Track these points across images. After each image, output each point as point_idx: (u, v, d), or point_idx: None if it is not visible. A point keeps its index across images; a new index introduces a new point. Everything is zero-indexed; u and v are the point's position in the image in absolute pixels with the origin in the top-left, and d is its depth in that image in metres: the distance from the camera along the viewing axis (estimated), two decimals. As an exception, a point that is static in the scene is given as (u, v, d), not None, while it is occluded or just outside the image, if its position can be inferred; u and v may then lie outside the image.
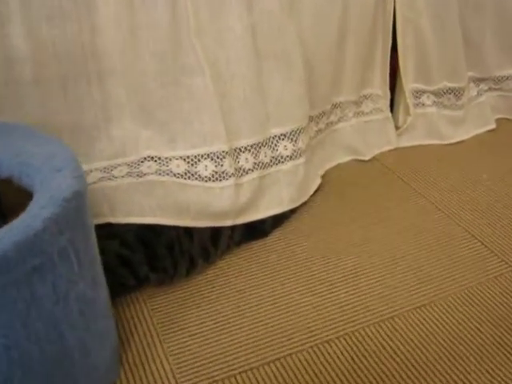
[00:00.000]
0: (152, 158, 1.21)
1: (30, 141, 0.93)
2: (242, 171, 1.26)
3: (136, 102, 1.20)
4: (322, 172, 1.51)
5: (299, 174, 1.36)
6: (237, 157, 1.26)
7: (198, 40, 1.18)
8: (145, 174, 1.19)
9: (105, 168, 1.20)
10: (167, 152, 1.22)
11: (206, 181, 1.22)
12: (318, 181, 1.46)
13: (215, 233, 1.23)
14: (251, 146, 1.28)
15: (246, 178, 1.27)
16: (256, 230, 1.31)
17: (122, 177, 1.18)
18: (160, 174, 1.19)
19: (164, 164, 1.20)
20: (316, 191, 1.44)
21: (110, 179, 1.18)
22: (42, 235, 0.73)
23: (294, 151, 1.34)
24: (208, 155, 1.22)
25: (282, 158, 1.33)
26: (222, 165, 1.22)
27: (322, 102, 1.47)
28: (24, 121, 1.11)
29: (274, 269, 1.23)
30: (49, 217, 0.75)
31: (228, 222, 1.24)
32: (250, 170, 1.28)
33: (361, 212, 1.39)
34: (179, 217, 1.17)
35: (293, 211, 1.37)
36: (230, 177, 1.23)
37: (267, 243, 1.30)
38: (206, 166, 1.22)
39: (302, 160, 1.36)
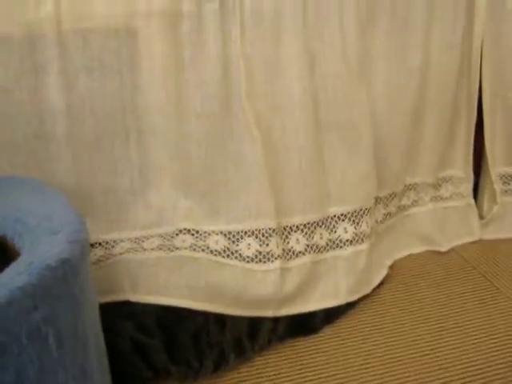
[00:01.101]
0: (189, 230, 1.06)
1: (34, 196, 0.81)
2: (291, 253, 1.09)
3: (177, 166, 1.07)
4: (389, 262, 1.30)
5: (360, 261, 1.16)
6: (286, 236, 1.09)
7: (250, 103, 1.05)
8: (177, 248, 1.04)
9: (136, 238, 1.06)
10: (206, 225, 1.07)
11: (248, 261, 1.05)
12: (384, 272, 1.25)
13: (253, 324, 1.04)
14: (304, 226, 1.11)
15: (295, 262, 1.09)
16: (303, 325, 1.11)
17: (152, 249, 1.03)
18: (195, 249, 1.03)
19: (201, 239, 1.05)
20: (381, 284, 1.23)
21: (137, 251, 1.04)
22: (5, 309, 0.58)
23: (356, 235, 1.16)
24: (252, 232, 1.06)
25: (340, 241, 1.15)
26: (267, 244, 1.05)
27: (392, 181, 1.28)
28: (53, 179, 1.01)
29: (319, 374, 1.02)
30: (19, 286, 0.60)
31: (269, 313, 1.05)
32: (300, 252, 1.10)
33: (432, 313, 1.16)
34: (210, 301, 1.00)
35: (350, 305, 1.16)
36: (275, 259, 1.05)
37: (316, 341, 1.10)
38: (249, 244, 1.05)
39: (364, 246, 1.17)
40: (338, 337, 1.11)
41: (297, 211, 1.10)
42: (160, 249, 1.04)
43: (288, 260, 1.08)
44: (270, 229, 1.06)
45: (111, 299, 0.97)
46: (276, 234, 1.06)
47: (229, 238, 1.06)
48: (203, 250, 1.03)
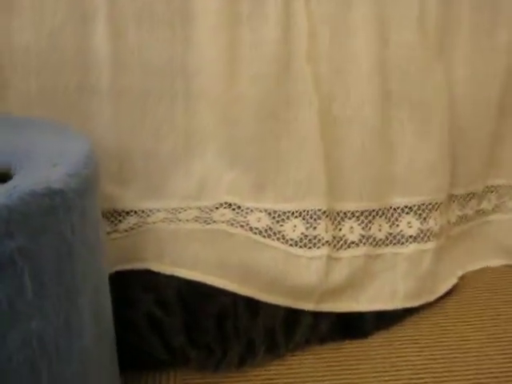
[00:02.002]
0: (230, 205, 0.95)
1: (52, 136, 0.73)
2: (342, 242, 0.95)
3: (224, 133, 0.96)
4: (461, 272, 1.12)
5: (424, 263, 1.01)
6: (339, 222, 0.96)
7: (311, 67, 0.94)
8: (214, 222, 0.92)
9: (173, 209, 0.96)
10: (250, 201, 0.95)
11: (291, 245, 0.92)
12: (453, 281, 1.08)
13: (290, 316, 0.91)
14: (361, 213, 0.97)
15: (346, 253, 0.95)
16: (351, 327, 0.96)
17: (187, 220, 0.93)
18: (232, 224, 0.92)
19: (242, 215, 0.93)
20: (447, 294, 1.06)
21: (171, 221, 0.93)
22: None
23: (421, 232, 1.00)
24: (300, 213, 0.93)
25: (402, 237, 1.00)
26: (314, 227, 0.92)
27: (471, 179, 1.12)
28: (91, 136, 0.93)
29: (363, 383, 0.86)
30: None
31: (309, 306, 0.92)
32: (354, 243, 0.96)
33: (506, 333, 0.98)
34: (242, 282, 0.87)
35: (407, 312, 1.00)
36: (322, 245, 0.92)
37: (363, 347, 0.95)
38: (295, 226, 0.93)
39: (430, 245, 1.01)
40: (390, 345, 0.95)
41: (354, 195, 0.96)
42: (195, 221, 0.93)
43: (338, 249, 0.94)
44: (319, 210, 0.92)
45: (131, 267, 0.87)
46: (326, 217, 0.93)
47: (273, 217, 0.93)
48: (242, 227, 0.92)
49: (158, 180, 0.96)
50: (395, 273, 0.99)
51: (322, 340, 0.94)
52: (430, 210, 1.01)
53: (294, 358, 0.92)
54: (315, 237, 0.92)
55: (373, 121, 0.96)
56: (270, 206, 0.94)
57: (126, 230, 0.94)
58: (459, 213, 1.12)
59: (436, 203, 1.01)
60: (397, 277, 0.99)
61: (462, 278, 1.12)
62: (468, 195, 1.12)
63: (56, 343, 0.59)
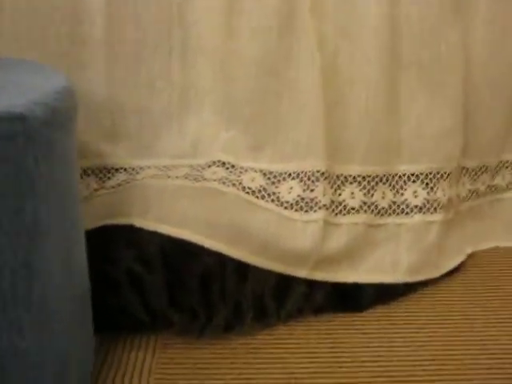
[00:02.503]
0: (223, 163, 0.89)
1: (30, 74, 0.68)
2: (341, 208, 0.89)
3: (222, 89, 0.90)
4: (470, 250, 1.06)
5: (430, 236, 0.94)
6: (339, 186, 0.90)
7: (315, 22, 0.88)
8: (205, 179, 0.87)
9: (164, 167, 0.91)
10: (246, 160, 0.89)
11: (286, 207, 0.86)
12: (460, 258, 1.02)
13: (282, 283, 0.86)
14: (363, 178, 0.91)
15: (345, 219, 0.89)
16: (347, 299, 0.90)
17: (177, 177, 0.88)
18: (224, 182, 0.86)
19: (235, 173, 0.88)
20: (453, 271, 1.00)
21: (160, 178, 0.88)
22: None
23: (428, 202, 0.94)
24: (297, 174, 0.87)
25: (407, 206, 0.93)
26: (312, 190, 0.86)
27: (485, 151, 1.05)
28: (83, 88, 0.88)
29: (356, 357, 0.81)
30: None
31: (302, 273, 0.86)
32: (354, 209, 0.90)
33: (510, 317, 0.91)
34: (231, 243, 0.82)
35: (410, 287, 0.94)
36: (319, 208, 0.86)
37: (358, 320, 0.89)
38: (292, 187, 0.87)
39: (436, 217, 0.94)
40: (388, 320, 0.89)
41: (356, 159, 0.90)
42: (185, 178, 0.87)
43: (337, 214, 0.88)
44: (318, 172, 0.87)
45: (115, 222, 0.82)
46: (325, 179, 0.87)
47: (268, 178, 0.88)
48: (234, 185, 0.86)
49: (151, 137, 0.91)
50: (398, 244, 0.92)
51: (316, 311, 0.89)
52: (438, 180, 0.94)
53: (284, 327, 0.86)
54: (312, 199, 0.86)
55: (378, 81, 0.90)
56: (266, 166, 0.89)
57: (113, 187, 0.89)
58: (470, 187, 1.05)
59: (445, 172, 0.95)
60: (399, 248, 0.92)
61: (470, 257, 1.05)
62: (480, 168, 1.05)
63: (12, 284, 0.54)
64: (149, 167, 0.91)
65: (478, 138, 1.01)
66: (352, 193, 0.90)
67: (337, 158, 0.89)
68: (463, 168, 1.02)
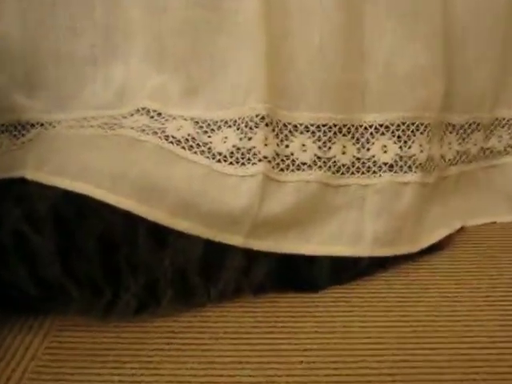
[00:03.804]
0: (148, 111, 0.73)
1: None
2: (289, 162, 0.72)
3: (151, 27, 0.74)
4: (459, 224, 0.88)
5: (403, 200, 0.77)
6: (286, 137, 0.73)
7: None
8: (121, 127, 0.71)
9: (84, 119, 0.75)
10: (176, 108, 0.73)
11: (219, 160, 0.70)
12: (445, 232, 0.84)
13: (212, 255, 0.69)
14: (317, 128, 0.74)
15: (294, 176, 0.72)
16: (298, 276, 0.73)
17: (91, 126, 0.72)
18: (144, 130, 0.70)
19: (160, 121, 0.72)
20: (436, 248, 0.82)
21: (71, 128, 0.73)
22: None
23: (400, 159, 0.76)
24: (234, 122, 0.71)
25: (374, 164, 0.76)
26: (250, 138, 0.70)
27: (476, 102, 0.87)
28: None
29: (302, 344, 0.64)
30: None
31: (236, 240, 0.69)
32: (305, 164, 0.73)
33: (500, 300, 0.74)
34: (144, 201, 0.65)
35: (378, 264, 0.77)
36: (259, 161, 0.69)
37: (310, 301, 0.72)
38: (226, 137, 0.70)
39: (412, 177, 0.77)
40: (348, 302, 0.72)
41: (307, 104, 0.73)
42: (99, 126, 0.72)
43: (282, 170, 0.72)
44: (257, 116, 0.70)
45: (6, 176, 0.66)
46: (266, 125, 0.70)
47: (200, 127, 0.71)
48: (155, 133, 0.70)
49: (72, 88, 0.76)
50: (362, 209, 0.75)
51: (257, 291, 0.72)
52: (413, 132, 0.77)
53: (214, 309, 0.70)
54: (249, 150, 0.69)
55: (335, 11, 0.73)
56: (199, 113, 0.72)
57: (24, 142, 0.74)
58: (458, 148, 0.87)
59: (422, 124, 0.77)
60: (364, 215, 0.75)
61: (460, 232, 0.88)
62: (470, 125, 0.87)
63: None
64: (66, 121, 0.75)
65: (465, 86, 0.84)
66: (303, 145, 0.73)
67: (283, 102, 0.72)
68: (449, 124, 0.85)
